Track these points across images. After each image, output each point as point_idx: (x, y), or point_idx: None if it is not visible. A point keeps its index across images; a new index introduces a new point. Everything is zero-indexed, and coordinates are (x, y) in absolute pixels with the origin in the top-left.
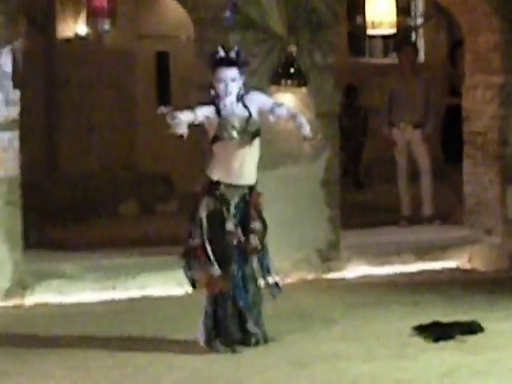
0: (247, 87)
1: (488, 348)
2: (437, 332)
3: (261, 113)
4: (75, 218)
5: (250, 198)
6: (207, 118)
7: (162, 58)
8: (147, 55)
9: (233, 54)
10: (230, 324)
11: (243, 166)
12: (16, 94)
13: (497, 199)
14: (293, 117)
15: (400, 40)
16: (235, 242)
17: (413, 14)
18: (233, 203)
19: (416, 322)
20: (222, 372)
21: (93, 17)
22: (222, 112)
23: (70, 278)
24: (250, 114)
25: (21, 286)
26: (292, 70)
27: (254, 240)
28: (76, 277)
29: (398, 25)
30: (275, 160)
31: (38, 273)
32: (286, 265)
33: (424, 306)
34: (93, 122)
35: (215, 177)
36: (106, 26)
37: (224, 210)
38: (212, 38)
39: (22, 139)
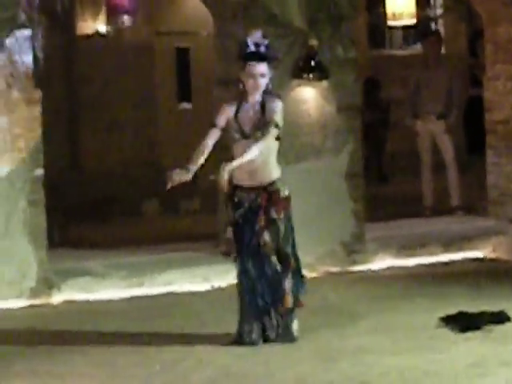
0: (273, 92)
1: None
2: (464, 323)
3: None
4: (98, 216)
5: (262, 200)
6: (227, 121)
7: (182, 54)
8: (167, 51)
9: (263, 49)
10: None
11: (254, 167)
12: (38, 93)
13: None
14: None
15: (422, 30)
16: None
17: (432, 4)
18: (245, 206)
19: (442, 314)
20: (252, 368)
21: (113, 14)
22: (239, 113)
23: (95, 276)
24: (264, 117)
25: (47, 284)
26: (313, 64)
27: (267, 237)
28: (102, 274)
29: (418, 16)
30: (298, 154)
31: (64, 271)
32: (310, 259)
33: (450, 297)
34: (114, 120)
35: (234, 180)
36: (126, 22)
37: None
38: (232, 33)
39: (44, 138)
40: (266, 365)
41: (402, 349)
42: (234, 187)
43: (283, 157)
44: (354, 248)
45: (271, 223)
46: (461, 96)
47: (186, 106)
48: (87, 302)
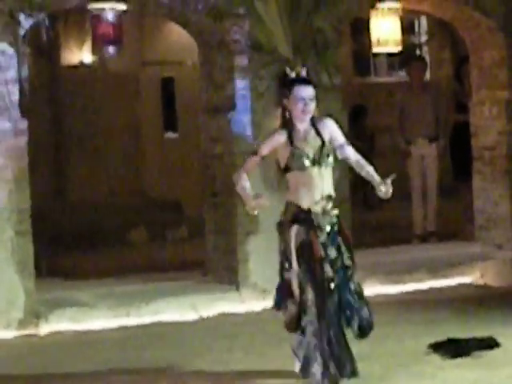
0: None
1: (505, 363)
2: (453, 349)
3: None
4: (85, 246)
5: (340, 228)
6: (278, 148)
7: (167, 84)
8: (152, 81)
9: (304, 74)
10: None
11: (319, 194)
12: (24, 123)
13: (507, 214)
14: (358, 163)
15: (407, 56)
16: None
17: (417, 31)
18: (324, 230)
19: (431, 340)
20: None
21: (98, 44)
22: (295, 140)
23: (83, 306)
24: (323, 142)
25: (34, 315)
26: None
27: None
28: (89, 305)
29: (403, 43)
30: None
31: (51, 302)
32: None
33: (439, 324)
34: (100, 149)
35: (304, 204)
36: (112, 52)
37: (316, 236)
38: (218, 61)
39: (31, 168)
40: None
41: (392, 375)
42: (308, 210)
43: (269, 184)
44: None
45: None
46: (447, 121)
47: (171, 135)
48: (75, 332)
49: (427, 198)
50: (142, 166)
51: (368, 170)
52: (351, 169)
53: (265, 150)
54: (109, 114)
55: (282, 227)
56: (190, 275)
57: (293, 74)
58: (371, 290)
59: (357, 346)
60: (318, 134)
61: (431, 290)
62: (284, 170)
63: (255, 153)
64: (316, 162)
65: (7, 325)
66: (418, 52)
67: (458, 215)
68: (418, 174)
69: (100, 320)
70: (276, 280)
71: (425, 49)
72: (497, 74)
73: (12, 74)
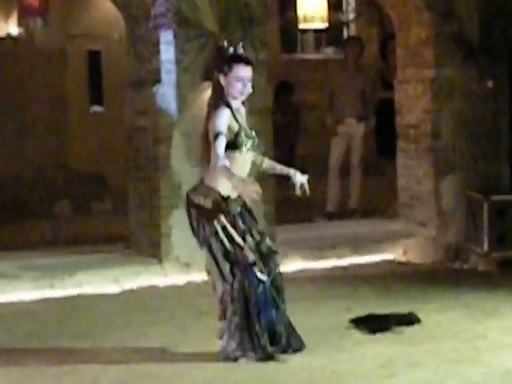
0: None
1: (424, 339)
2: (373, 324)
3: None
4: (10, 218)
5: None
6: (230, 126)
7: (94, 58)
8: (79, 54)
9: (242, 51)
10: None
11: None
12: None
13: (431, 192)
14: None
15: (337, 34)
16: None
17: (344, 8)
18: (239, 216)
19: (352, 315)
20: (162, 368)
21: (24, 16)
22: (238, 117)
23: (5, 277)
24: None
25: None
26: None
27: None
28: (12, 276)
29: (330, 20)
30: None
31: None
32: None
33: (360, 299)
34: (25, 123)
35: (224, 191)
36: (38, 25)
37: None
38: (144, 36)
39: None
40: (176, 366)
41: (311, 349)
42: (227, 198)
43: (191, 159)
44: None
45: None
46: (373, 99)
47: (97, 109)
48: None
49: (351, 175)
50: (67, 140)
51: (267, 161)
52: (274, 144)
53: (225, 127)
54: (35, 86)
55: (207, 213)
56: (113, 248)
57: (231, 50)
58: (294, 265)
59: None
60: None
61: (354, 266)
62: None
63: (217, 135)
64: (254, 145)
65: None
66: (345, 29)
67: (381, 193)
68: (339, 153)
69: (22, 292)
70: (198, 254)
71: (352, 26)
72: (422, 52)
73: None
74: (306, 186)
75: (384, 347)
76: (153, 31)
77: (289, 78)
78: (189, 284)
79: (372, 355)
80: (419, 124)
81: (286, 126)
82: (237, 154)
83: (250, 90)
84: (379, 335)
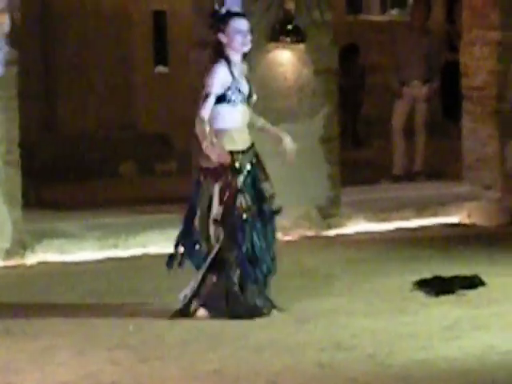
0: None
1: (489, 302)
2: (438, 286)
3: None
4: (74, 178)
5: (257, 161)
6: (223, 83)
7: (158, 18)
8: (144, 15)
9: (235, 9)
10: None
11: (244, 129)
12: (14, 54)
13: (496, 154)
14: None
15: None
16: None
17: None
18: (245, 171)
19: (416, 278)
20: (225, 328)
21: None
22: (234, 72)
23: (70, 237)
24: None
25: (21, 245)
26: (290, 27)
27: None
28: (77, 236)
29: None
30: (274, 117)
31: (39, 232)
32: (286, 222)
33: (424, 262)
34: (91, 82)
35: (227, 146)
36: None
37: (237, 181)
38: None
39: (20, 99)
40: (239, 326)
41: (375, 311)
42: (231, 153)
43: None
44: (329, 212)
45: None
46: (439, 62)
47: (162, 69)
48: (61, 263)
49: (415, 137)
50: (132, 100)
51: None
52: (340, 107)
53: (218, 88)
54: (100, 46)
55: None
56: (177, 209)
57: (223, 10)
58: (358, 227)
59: (341, 282)
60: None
61: (418, 229)
62: (216, 101)
63: (206, 96)
64: (245, 98)
65: None
66: None
67: (446, 155)
68: (403, 115)
69: (87, 251)
70: None
71: None
72: (489, 14)
73: (1, 4)
74: (293, 156)
75: (448, 309)
76: None
77: (353, 40)
78: None
79: (436, 317)
80: (484, 86)
81: (351, 89)
82: (227, 106)
83: (250, 42)
84: (443, 298)
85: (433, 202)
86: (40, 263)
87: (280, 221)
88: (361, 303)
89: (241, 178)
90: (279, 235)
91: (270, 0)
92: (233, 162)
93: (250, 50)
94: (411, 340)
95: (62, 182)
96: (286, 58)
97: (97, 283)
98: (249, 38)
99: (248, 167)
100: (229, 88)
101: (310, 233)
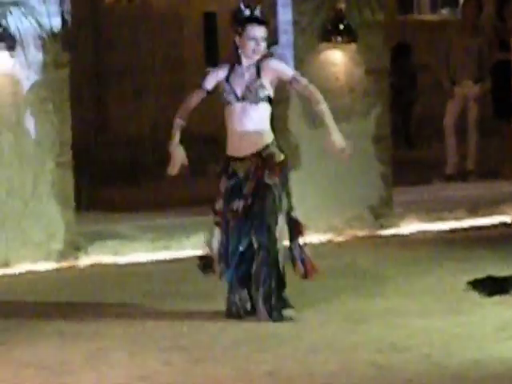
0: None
1: None
2: (491, 287)
3: (280, 81)
4: (126, 179)
5: (259, 166)
6: (218, 83)
7: (209, 19)
8: (195, 16)
9: (258, 13)
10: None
11: (246, 134)
12: (65, 56)
13: None
14: (314, 96)
15: None
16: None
17: None
18: (240, 176)
19: (470, 277)
20: (279, 329)
21: None
22: (231, 76)
23: (123, 239)
24: (260, 79)
25: (74, 247)
26: (341, 27)
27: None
28: (130, 237)
29: None
30: None
31: (92, 234)
32: (338, 222)
33: (478, 262)
34: (142, 84)
35: (228, 151)
36: None
37: (233, 187)
38: None
39: (72, 101)
40: (293, 327)
41: (429, 311)
42: (228, 158)
43: (311, 120)
44: (381, 212)
45: (266, 189)
46: (490, 61)
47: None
48: (114, 264)
49: (467, 136)
50: (182, 102)
51: (322, 109)
52: (392, 106)
53: (208, 83)
54: (151, 48)
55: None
56: None
57: (247, 12)
58: (410, 227)
59: (395, 282)
60: (258, 72)
61: (471, 229)
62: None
63: (200, 85)
64: (241, 97)
65: (47, 256)
66: None
67: (498, 154)
68: (455, 114)
69: (140, 253)
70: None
71: None
72: None
73: (54, 6)
74: (344, 153)
75: (503, 310)
76: None
77: (404, 40)
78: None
79: (490, 318)
80: None
81: (403, 88)
82: (227, 107)
83: (262, 49)
84: (497, 298)
85: (485, 201)
86: (93, 265)
87: (332, 221)
88: (415, 303)
89: (229, 183)
90: (332, 236)
91: (321, 0)
92: (226, 165)
93: (302, 49)
94: (466, 340)
95: (115, 183)
96: (337, 58)
97: (150, 285)
98: (262, 45)
99: (242, 174)
100: (224, 89)
101: (363, 233)
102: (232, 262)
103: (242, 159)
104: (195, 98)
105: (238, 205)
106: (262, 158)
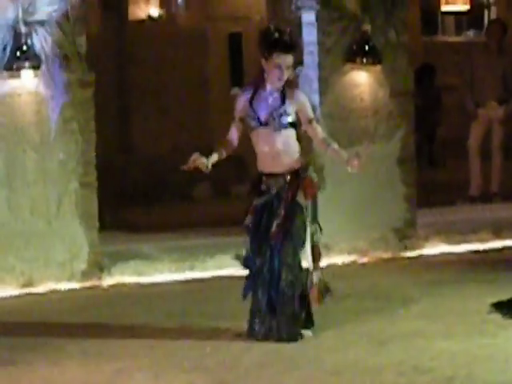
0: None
1: None
2: None
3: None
4: (149, 199)
5: (294, 185)
6: (243, 109)
7: (234, 40)
8: (220, 36)
9: (287, 38)
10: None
11: (277, 154)
12: (90, 76)
13: None
14: (324, 141)
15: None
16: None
17: None
18: (272, 192)
19: (494, 300)
20: (302, 351)
21: None
22: (254, 100)
23: (147, 259)
24: (284, 106)
25: (98, 267)
26: (367, 48)
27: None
28: (153, 257)
29: (471, 2)
30: (351, 138)
31: (115, 254)
32: (362, 244)
33: (502, 284)
34: (166, 104)
35: (259, 167)
36: (179, 6)
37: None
38: (286, 17)
39: (96, 121)
40: (316, 348)
41: (453, 333)
42: (260, 174)
43: (336, 141)
44: (405, 233)
45: (297, 209)
46: None
47: (238, 91)
48: (137, 284)
49: (492, 158)
50: (208, 122)
51: (334, 148)
52: (416, 128)
53: (238, 112)
54: (175, 68)
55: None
56: None
57: (276, 35)
58: (434, 249)
59: (418, 304)
60: (283, 99)
61: (495, 250)
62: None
63: (233, 118)
64: (264, 123)
65: (71, 276)
66: (486, 11)
67: None
68: (479, 136)
69: (164, 273)
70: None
71: (493, 9)
72: None
73: (80, 26)
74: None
75: None
76: (295, 12)
77: (429, 61)
78: (329, 266)
79: None
80: None
81: (427, 110)
82: (252, 132)
83: (287, 76)
84: None
85: (510, 223)
86: (116, 285)
87: (356, 243)
88: (439, 325)
89: (261, 199)
90: (356, 257)
91: (346, 21)
92: (258, 182)
93: (327, 70)
94: (490, 362)
95: (138, 204)
96: (362, 79)
97: (173, 305)
98: (287, 73)
99: (274, 190)
100: (248, 114)
101: (387, 255)
102: (257, 280)
103: (275, 175)
104: (234, 131)
105: (271, 223)
106: (298, 178)
